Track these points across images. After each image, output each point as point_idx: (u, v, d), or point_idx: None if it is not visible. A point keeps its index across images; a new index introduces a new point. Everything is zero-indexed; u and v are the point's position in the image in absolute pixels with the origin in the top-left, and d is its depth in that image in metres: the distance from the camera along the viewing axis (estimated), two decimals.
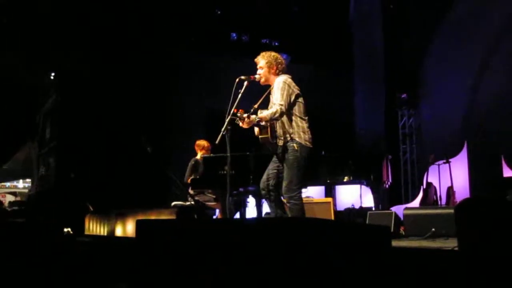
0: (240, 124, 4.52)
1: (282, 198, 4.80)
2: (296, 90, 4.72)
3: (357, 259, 2.37)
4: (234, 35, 11.78)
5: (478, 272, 2.91)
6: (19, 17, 9.46)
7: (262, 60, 4.85)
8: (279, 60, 4.85)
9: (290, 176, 4.59)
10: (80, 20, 9.78)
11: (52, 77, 10.85)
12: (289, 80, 4.73)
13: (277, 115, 4.55)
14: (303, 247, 2.12)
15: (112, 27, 9.91)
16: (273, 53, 4.88)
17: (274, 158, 4.82)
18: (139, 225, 2.92)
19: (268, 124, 4.65)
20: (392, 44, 11.23)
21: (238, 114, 4.49)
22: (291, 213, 4.64)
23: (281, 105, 4.55)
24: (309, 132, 4.74)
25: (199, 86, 11.08)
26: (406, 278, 2.91)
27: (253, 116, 4.55)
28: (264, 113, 4.59)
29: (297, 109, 4.70)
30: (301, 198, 4.68)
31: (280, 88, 4.61)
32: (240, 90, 4.68)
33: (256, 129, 4.80)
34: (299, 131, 4.66)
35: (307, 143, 4.68)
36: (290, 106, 4.64)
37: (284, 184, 4.63)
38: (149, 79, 10.31)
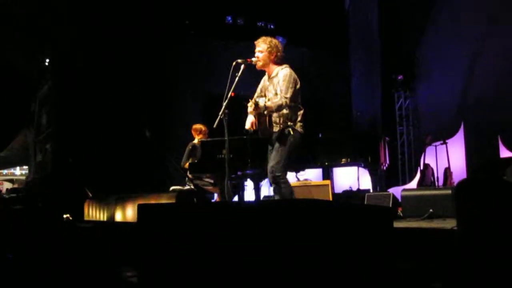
0: (250, 109, 4.70)
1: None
2: (298, 82, 4.85)
3: (359, 240, 2.39)
4: (229, 18, 11.70)
5: (476, 252, 2.93)
6: (14, 2, 9.37)
7: (263, 44, 4.88)
8: (280, 48, 4.95)
9: (279, 157, 4.72)
10: (75, 5, 9.70)
11: (47, 63, 10.79)
12: (294, 73, 4.85)
13: (282, 107, 4.71)
14: (305, 229, 2.13)
15: (108, 12, 9.84)
16: (274, 40, 4.94)
17: (270, 148, 4.89)
18: (140, 209, 2.93)
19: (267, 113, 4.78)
20: (388, 25, 11.19)
21: (250, 103, 4.69)
22: (280, 195, 4.72)
23: (286, 98, 4.70)
24: (303, 119, 4.89)
25: (195, 70, 11.04)
26: (407, 257, 2.94)
27: (261, 104, 4.68)
28: (269, 103, 4.72)
29: (295, 98, 4.82)
30: (288, 182, 4.81)
31: (287, 81, 4.74)
32: (237, 73, 4.74)
33: (248, 123, 4.85)
34: (296, 119, 4.82)
35: (302, 129, 4.85)
36: (292, 97, 4.73)
37: (271, 163, 4.76)
38: (145, 63, 10.26)
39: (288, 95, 4.70)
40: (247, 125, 4.90)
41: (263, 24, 11.98)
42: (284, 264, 2.14)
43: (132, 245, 3.45)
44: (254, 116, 4.85)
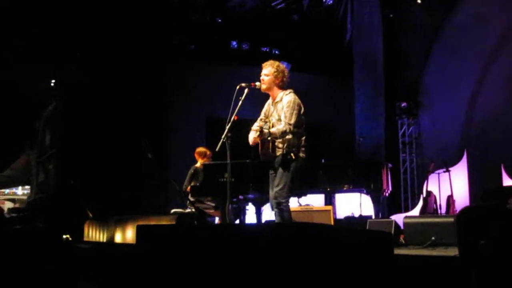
0: (255, 135, 4.72)
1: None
2: (302, 108, 4.87)
3: (360, 265, 2.37)
4: (235, 43, 11.80)
5: (478, 280, 2.90)
6: (19, 23, 9.47)
7: (270, 68, 4.92)
8: (286, 74, 4.99)
9: (283, 182, 4.74)
10: (81, 27, 9.80)
11: (52, 84, 10.85)
12: (298, 99, 4.88)
13: (285, 134, 4.74)
14: (306, 252, 2.11)
15: (113, 34, 9.93)
16: (281, 65, 4.97)
17: (271, 173, 4.88)
18: (139, 230, 2.91)
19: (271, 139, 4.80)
20: (392, 53, 11.28)
21: (255, 129, 4.76)
22: (281, 220, 4.72)
23: (290, 124, 4.73)
24: (305, 144, 4.90)
25: (199, 93, 11.09)
26: (408, 284, 2.90)
27: (265, 131, 4.72)
28: (273, 130, 4.75)
29: (299, 124, 4.84)
30: (289, 207, 4.83)
31: (291, 107, 4.78)
32: (240, 97, 4.76)
33: (252, 137, 4.85)
34: (299, 144, 4.83)
35: (304, 154, 4.86)
36: (295, 124, 4.76)
37: (275, 189, 4.76)
38: (149, 87, 10.32)
39: (292, 122, 4.72)
40: (250, 141, 4.89)
41: (268, 50, 12.08)
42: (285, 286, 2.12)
43: (131, 266, 3.43)
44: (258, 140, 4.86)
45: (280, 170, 4.76)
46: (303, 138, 4.88)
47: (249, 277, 2.28)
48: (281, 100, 4.88)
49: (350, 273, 2.30)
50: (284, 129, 4.70)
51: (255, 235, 2.40)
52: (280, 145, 4.78)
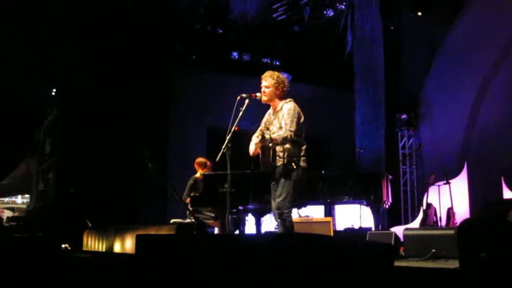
0: (256, 141, 4.70)
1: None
2: (302, 116, 4.88)
3: (360, 276, 2.36)
4: (236, 54, 11.85)
5: None
6: (21, 31, 9.51)
7: (270, 79, 4.92)
8: (286, 84, 5.00)
9: (285, 192, 4.73)
10: (83, 37, 9.84)
11: (53, 93, 10.88)
12: (298, 107, 4.89)
13: (286, 140, 4.72)
14: (306, 263, 2.10)
15: (114, 44, 9.96)
16: (281, 75, 4.98)
17: (273, 183, 4.87)
18: (139, 239, 2.90)
19: (272, 146, 4.79)
20: (392, 65, 11.31)
21: (256, 134, 4.73)
22: (283, 230, 4.70)
23: (291, 131, 4.71)
24: (306, 154, 4.89)
25: (198, 103, 11.10)
26: None
27: (267, 137, 4.69)
28: (275, 136, 4.72)
29: (300, 133, 4.85)
30: (291, 217, 4.82)
31: (291, 115, 4.78)
32: (241, 108, 4.77)
33: (252, 147, 4.85)
34: (299, 154, 4.82)
35: (305, 164, 4.84)
36: (296, 131, 4.76)
37: (278, 199, 4.75)
38: (150, 97, 10.33)
39: (293, 128, 4.72)
40: (251, 151, 4.89)
41: (268, 61, 12.13)
42: None
43: (129, 277, 3.41)
44: (259, 148, 4.86)
45: (282, 180, 4.75)
46: (304, 147, 4.88)
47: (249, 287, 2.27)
48: (281, 109, 4.89)
49: (351, 283, 2.29)
50: (285, 135, 4.69)
51: (255, 245, 2.39)
52: (281, 154, 4.78)
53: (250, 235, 4.89)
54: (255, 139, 4.80)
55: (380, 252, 2.72)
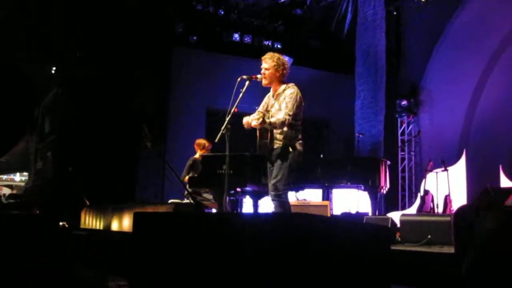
0: (256, 122, 4.69)
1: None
2: (303, 102, 4.90)
3: (357, 256, 2.37)
4: (237, 35, 11.78)
5: (476, 279, 2.90)
6: (21, 9, 9.44)
7: (270, 61, 4.90)
8: (286, 66, 4.98)
9: (281, 174, 4.75)
10: (83, 15, 9.77)
11: (53, 71, 10.82)
12: (300, 93, 4.90)
13: (284, 124, 4.74)
14: (304, 243, 2.11)
15: (115, 23, 9.91)
16: (281, 57, 4.96)
17: (270, 166, 4.88)
18: (136, 217, 2.91)
19: (270, 128, 4.81)
20: (393, 51, 11.26)
21: (257, 116, 4.74)
22: (281, 211, 4.72)
23: (290, 115, 4.73)
24: (302, 137, 4.92)
25: (200, 85, 11.08)
26: (403, 280, 2.91)
27: (267, 120, 4.71)
28: (273, 120, 4.74)
29: (298, 118, 4.86)
30: (288, 198, 4.85)
31: (293, 99, 4.79)
32: (241, 89, 4.76)
33: (250, 119, 4.86)
34: (297, 137, 4.85)
35: (301, 147, 4.87)
36: (294, 116, 4.77)
37: (273, 181, 4.78)
38: (150, 77, 10.30)
39: (292, 113, 4.73)
40: (245, 123, 4.87)
41: (270, 43, 12.07)
42: (280, 275, 2.12)
43: (126, 254, 3.42)
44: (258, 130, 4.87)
45: (278, 162, 4.77)
46: (300, 132, 4.90)
47: (246, 266, 2.28)
48: (283, 91, 4.89)
49: (347, 264, 2.30)
50: (283, 119, 4.70)
51: (253, 224, 2.40)
52: (278, 137, 4.79)
53: (247, 214, 4.90)
54: (255, 115, 4.80)
55: (377, 234, 2.74)
